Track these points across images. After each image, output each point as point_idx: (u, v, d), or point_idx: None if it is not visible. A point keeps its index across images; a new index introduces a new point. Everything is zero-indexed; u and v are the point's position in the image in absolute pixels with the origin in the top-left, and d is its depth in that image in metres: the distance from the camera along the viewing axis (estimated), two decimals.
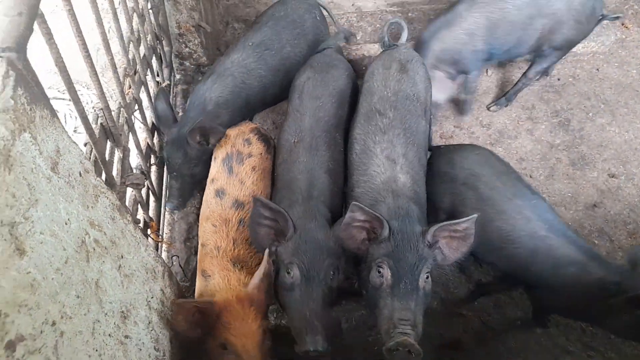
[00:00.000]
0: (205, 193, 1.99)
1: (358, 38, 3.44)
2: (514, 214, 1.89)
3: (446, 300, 2.34)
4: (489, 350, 2.18)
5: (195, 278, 2.06)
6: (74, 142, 1.06)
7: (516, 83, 2.99)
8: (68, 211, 0.99)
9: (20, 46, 0.90)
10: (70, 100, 1.26)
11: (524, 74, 2.92)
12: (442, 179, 2.08)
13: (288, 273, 1.60)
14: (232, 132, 2.13)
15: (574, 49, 3.30)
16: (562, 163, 2.89)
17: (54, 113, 0.99)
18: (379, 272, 1.53)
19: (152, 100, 2.24)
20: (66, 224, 0.98)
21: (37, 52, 1.18)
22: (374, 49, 3.20)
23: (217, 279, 1.64)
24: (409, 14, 3.68)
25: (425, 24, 3.60)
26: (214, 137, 2.07)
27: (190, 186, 2.21)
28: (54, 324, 0.89)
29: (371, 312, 1.63)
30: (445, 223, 1.57)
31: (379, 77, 2.13)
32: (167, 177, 2.55)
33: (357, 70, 2.70)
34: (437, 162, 2.16)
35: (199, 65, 3.06)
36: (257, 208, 1.63)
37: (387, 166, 1.83)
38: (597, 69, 3.31)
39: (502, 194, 1.94)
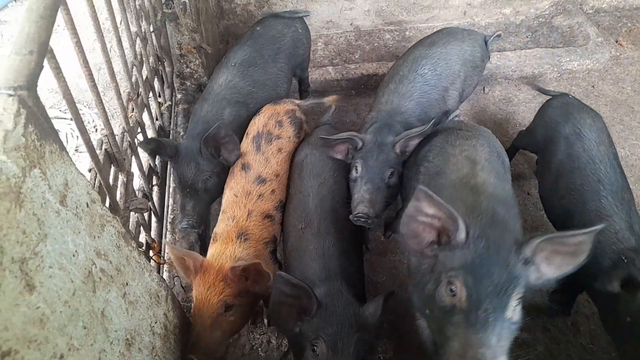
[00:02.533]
0: (233, 165, 2.12)
1: (356, 57, 3.48)
2: None
3: None
4: None
5: None
6: (81, 174, 1.08)
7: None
8: (75, 243, 1.01)
9: (31, 84, 0.92)
10: (72, 119, 1.28)
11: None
12: None
13: (314, 351, 1.44)
14: (268, 110, 2.23)
15: (569, 67, 3.37)
16: None
17: (62, 147, 1.01)
18: (452, 290, 1.21)
19: (154, 121, 2.27)
20: (74, 255, 0.99)
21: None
22: (372, 67, 3.25)
23: (219, 245, 1.79)
24: (406, 33, 3.74)
25: None
26: (226, 147, 2.05)
27: (205, 203, 2.17)
28: (62, 356, 0.90)
29: (435, 339, 1.35)
30: (555, 235, 1.24)
31: None
32: (170, 197, 2.57)
33: (356, 89, 2.74)
34: None
35: (199, 85, 3.10)
36: (279, 285, 1.50)
37: (466, 164, 1.69)
38: (593, 86, 3.36)
39: None
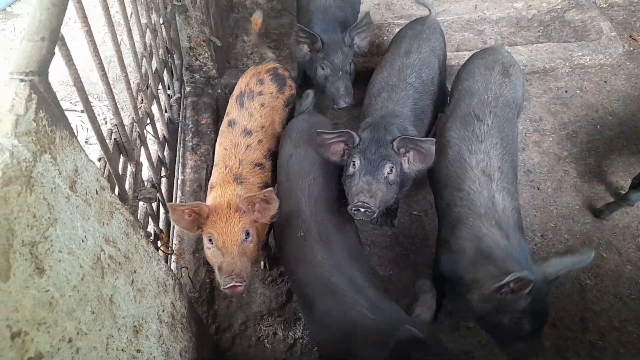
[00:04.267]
0: (221, 125, 2.26)
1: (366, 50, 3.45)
2: None
3: (453, 312, 2.34)
4: None
5: (204, 286, 2.37)
6: (91, 161, 1.09)
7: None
8: (85, 229, 1.02)
9: (43, 70, 0.93)
10: (82, 111, 1.29)
11: None
12: None
13: None
14: (250, 71, 2.39)
15: (581, 62, 3.33)
16: (569, 175, 2.89)
17: (72, 133, 1.02)
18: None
19: (163, 113, 2.28)
20: (83, 241, 1.00)
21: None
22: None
23: (217, 188, 1.92)
24: None
25: None
26: (360, 35, 2.65)
27: (351, 81, 2.68)
28: (70, 340, 0.91)
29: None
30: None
31: (480, 78, 2.22)
32: (178, 189, 2.59)
33: (365, 82, 2.72)
34: None
35: (209, 78, 3.11)
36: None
37: (483, 182, 1.91)
38: (605, 81, 3.32)
39: None
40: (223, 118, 2.30)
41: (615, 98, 3.23)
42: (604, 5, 3.79)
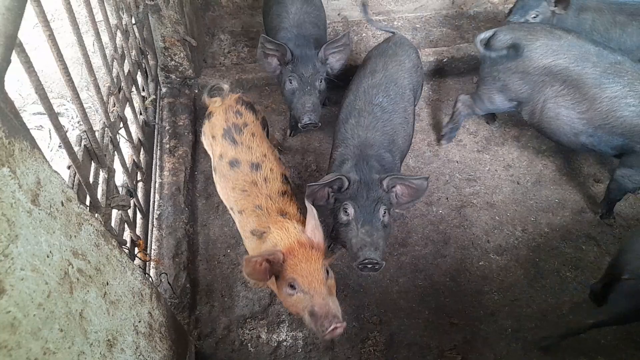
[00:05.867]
0: (217, 171, 2.10)
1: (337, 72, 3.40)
2: None
3: (437, 309, 2.34)
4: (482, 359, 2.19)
5: (185, 291, 2.28)
6: (56, 172, 1.04)
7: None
8: (50, 243, 0.97)
9: None
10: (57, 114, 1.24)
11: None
12: None
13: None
14: (219, 108, 2.18)
15: None
16: (548, 169, 2.92)
17: (34, 144, 0.97)
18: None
19: (138, 116, 2.23)
20: (48, 256, 0.96)
21: (20, 67, 1.15)
22: (360, 59, 3.21)
23: (275, 230, 1.74)
24: (395, 22, 3.71)
25: (411, 32, 3.63)
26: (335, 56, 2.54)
27: (320, 101, 2.56)
28: None
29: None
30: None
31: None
32: (156, 193, 2.53)
33: (344, 80, 2.70)
34: None
35: (185, 78, 3.05)
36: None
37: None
38: None
39: None
40: (214, 154, 2.14)
41: None
42: None
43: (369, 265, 1.80)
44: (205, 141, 2.26)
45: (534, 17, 2.74)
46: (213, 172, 2.17)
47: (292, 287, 1.60)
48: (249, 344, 2.23)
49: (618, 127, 2.29)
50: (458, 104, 2.85)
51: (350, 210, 1.87)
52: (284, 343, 2.23)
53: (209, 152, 2.26)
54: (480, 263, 2.52)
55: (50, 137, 3.08)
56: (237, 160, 2.02)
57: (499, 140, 3.06)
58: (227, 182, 2.02)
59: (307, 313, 1.56)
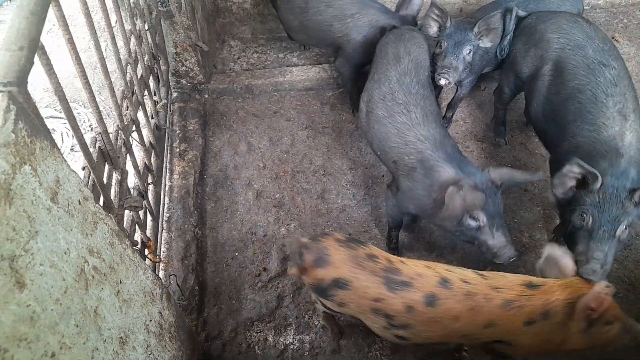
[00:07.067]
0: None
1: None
2: None
3: None
4: None
5: (193, 293, 2.30)
6: (73, 171, 1.07)
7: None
8: (67, 240, 1.00)
9: (22, 80, 0.91)
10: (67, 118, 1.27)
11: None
12: None
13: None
14: (356, 257, 1.72)
15: None
16: None
17: (53, 143, 1.00)
18: (583, 216, 1.89)
19: (150, 120, 2.26)
20: (65, 253, 0.99)
21: (34, 70, 1.17)
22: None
23: (557, 293, 1.68)
24: None
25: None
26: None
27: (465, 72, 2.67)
28: (53, 355, 0.90)
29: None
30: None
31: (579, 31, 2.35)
32: (165, 196, 2.56)
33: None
34: None
35: (196, 83, 3.09)
36: None
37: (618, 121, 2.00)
38: None
39: None
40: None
41: None
42: (587, 8, 3.85)
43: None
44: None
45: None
46: None
47: (609, 322, 1.63)
48: (256, 347, 2.24)
49: None
50: None
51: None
52: (291, 346, 2.24)
53: None
54: (487, 269, 2.51)
55: (62, 140, 3.13)
56: (435, 296, 1.70)
57: (506, 147, 3.07)
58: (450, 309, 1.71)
59: None
